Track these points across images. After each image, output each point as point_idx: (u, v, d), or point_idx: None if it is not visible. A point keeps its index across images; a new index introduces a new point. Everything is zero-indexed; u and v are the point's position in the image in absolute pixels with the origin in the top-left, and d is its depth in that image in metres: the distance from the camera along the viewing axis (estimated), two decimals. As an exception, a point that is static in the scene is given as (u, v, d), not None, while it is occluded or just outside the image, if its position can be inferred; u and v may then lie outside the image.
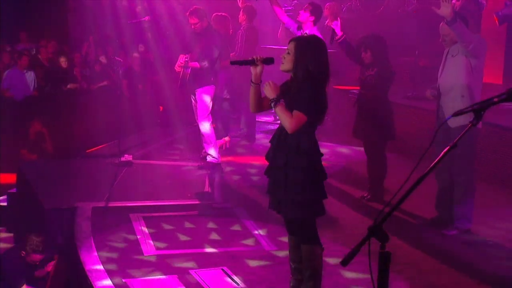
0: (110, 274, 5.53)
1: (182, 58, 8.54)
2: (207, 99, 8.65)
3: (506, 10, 10.82)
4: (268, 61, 4.69)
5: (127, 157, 8.92)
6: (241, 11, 10.49)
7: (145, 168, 8.92)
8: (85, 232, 6.42)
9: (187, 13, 8.59)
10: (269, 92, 4.58)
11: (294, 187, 4.60)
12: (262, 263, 5.85)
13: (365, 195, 7.57)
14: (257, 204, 7.54)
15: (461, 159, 6.36)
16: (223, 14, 9.88)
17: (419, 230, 6.72)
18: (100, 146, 10.09)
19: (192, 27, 8.57)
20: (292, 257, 4.98)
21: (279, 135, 4.71)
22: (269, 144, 4.85)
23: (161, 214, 7.11)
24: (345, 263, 2.74)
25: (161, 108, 12.23)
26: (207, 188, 8.09)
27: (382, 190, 7.53)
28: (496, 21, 10.78)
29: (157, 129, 11.53)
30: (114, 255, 6.02)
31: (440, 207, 6.77)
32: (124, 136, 9.86)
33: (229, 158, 9.46)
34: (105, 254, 6.00)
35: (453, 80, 6.30)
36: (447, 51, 6.47)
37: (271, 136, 4.83)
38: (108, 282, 5.39)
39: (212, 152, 8.75)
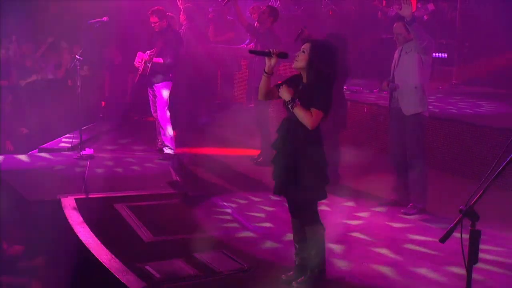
0: (121, 259, 5.73)
1: (141, 55, 8.94)
2: (166, 93, 9.13)
3: (417, 13, 11.84)
4: (283, 55, 5.17)
5: (88, 151, 9.20)
6: (181, 12, 10.92)
7: (106, 161, 9.23)
8: (79, 222, 6.62)
9: (149, 12, 9.03)
10: (285, 95, 5.09)
11: (302, 172, 5.10)
12: (257, 245, 6.25)
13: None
14: (227, 190, 8.09)
15: (413, 145, 7.18)
16: (169, 14, 10.27)
17: (383, 212, 7.37)
18: (53, 141, 10.22)
19: (152, 25, 9.05)
20: (296, 238, 5.45)
21: (288, 126, 5.19)
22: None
23: (146, 203, 7.42)
24: (443, 240, 3.34)
25: (103, 103, 12.44)
26: (175, 178, 8.49)
27: (338, 175, 8.21)
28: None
29: (101, 123, 11.77)
30: (115, 242, 6.18)
31: (397, 189, 7.53)
32: (69, 130, 10.13)
33: (181, 150, 9.86)
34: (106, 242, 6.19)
35: (408, 73, 7.13)
36: (401, 48, 7.26)
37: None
38: (121, 267, 5.57)
39: (170, 143, 9.22)
